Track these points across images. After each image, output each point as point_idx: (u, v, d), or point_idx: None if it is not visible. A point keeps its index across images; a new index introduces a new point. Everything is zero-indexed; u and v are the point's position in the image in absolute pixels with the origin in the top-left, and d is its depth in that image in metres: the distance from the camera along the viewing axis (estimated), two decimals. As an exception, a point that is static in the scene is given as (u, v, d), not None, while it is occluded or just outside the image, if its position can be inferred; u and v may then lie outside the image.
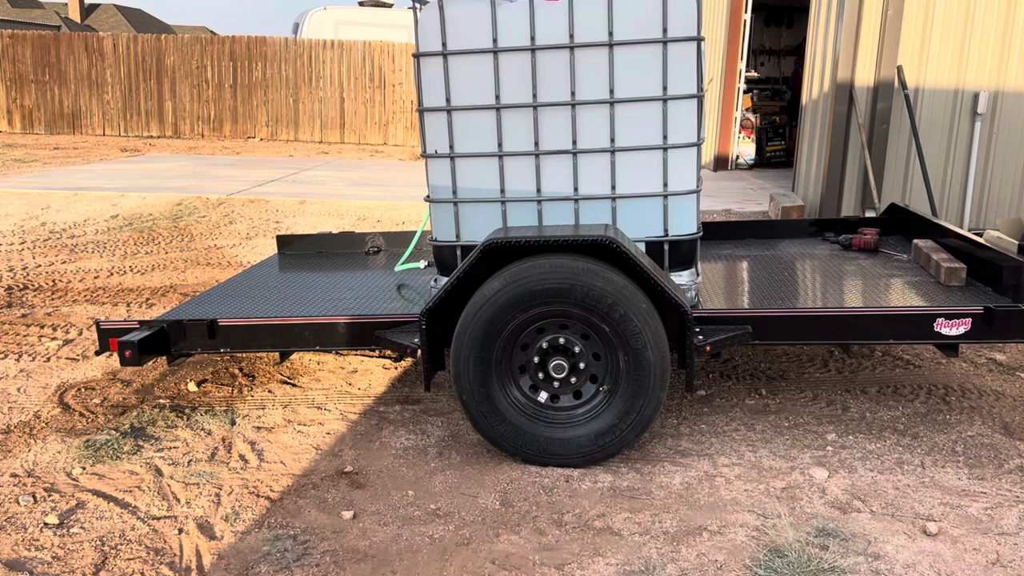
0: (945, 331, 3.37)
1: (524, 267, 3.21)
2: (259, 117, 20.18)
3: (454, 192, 3.85)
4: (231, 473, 3.28)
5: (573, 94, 3.64)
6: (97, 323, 3.69)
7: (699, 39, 3.59)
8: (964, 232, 4.37)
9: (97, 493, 3.12)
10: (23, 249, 7.27)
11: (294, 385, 4.22)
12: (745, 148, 13.84)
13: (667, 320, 3.33)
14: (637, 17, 3.54)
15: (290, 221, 8.60)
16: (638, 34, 3.55)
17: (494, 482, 3.23)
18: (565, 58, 3.59)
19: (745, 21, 12.78)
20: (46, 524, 2.89)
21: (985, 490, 3.24)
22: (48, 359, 4.54)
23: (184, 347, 3.73)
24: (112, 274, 6.47)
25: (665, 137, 3.65)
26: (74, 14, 51.65)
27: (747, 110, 14.20)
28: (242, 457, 3.41)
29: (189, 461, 3.37)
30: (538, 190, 3.79)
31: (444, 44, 3.66)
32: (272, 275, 4.90)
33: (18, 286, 6.06)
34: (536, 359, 3.35)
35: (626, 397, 3.26)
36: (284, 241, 5.66)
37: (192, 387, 4.14)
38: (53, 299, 5.74)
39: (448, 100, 3.73)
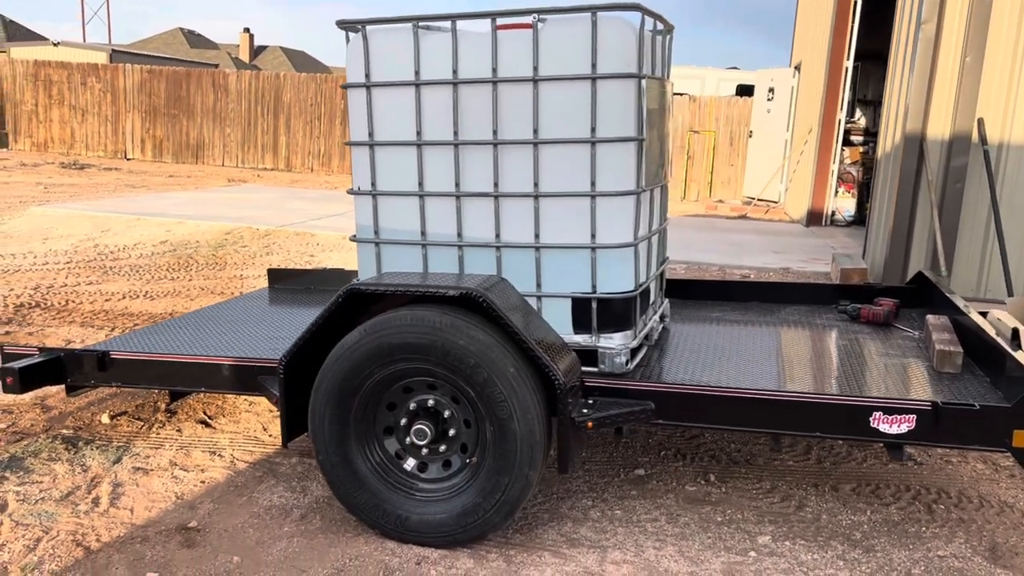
0: (884, 428, 2.82)
1: (384, 318, 2.93)
2: (365, 154, 20.74)
3: (375, 232, 3.64)
4: (72, 516, 3.14)
5: (495, 132, 3.36)
6: (1, 347, 3.67)
7: (639, 76, 3.23)
8: (969, 310, 3.73)
9: (-71, 524, 3.04)
10: (64, 269, 7.61)
11: (208, 425, 4.08)
12: (844, 203, 12.96)
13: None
14: (566, 50, 3.24)
15: (324, 255, 8.64)
16: (565, 69, 3.24)
17: (336, 556, 2.93)
18: (488, 93, 3.32)
19: (847, 68, 12.05)
20: None
21: (919, 630, 2.65)
22: (-5, 378, 4.60)
23: (80, 379, 3.66)
24: (124, 298, 6.63)
25: (593, 183, 3.30)
26: (244, 55, 56.34)
27: (853, 163, 13.34)
28: (95, 500, 3.27)
29: (40, 499, 3.27)
30: (459, 234, 3.52)
31: (368, 75, 3.48)
32: (239, 308, 4.82)
33: (30, 304, 6.29)
34: (404, 421, 3.05)
35: (491, 474, 2.90)
36: (275, 275, 5.62)
37: (105, 419, 4.08)
38: (52, 319, 5.91)
39: (371, 134, 3.54)
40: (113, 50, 27.52)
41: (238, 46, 58.07)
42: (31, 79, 21.88)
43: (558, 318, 3.37)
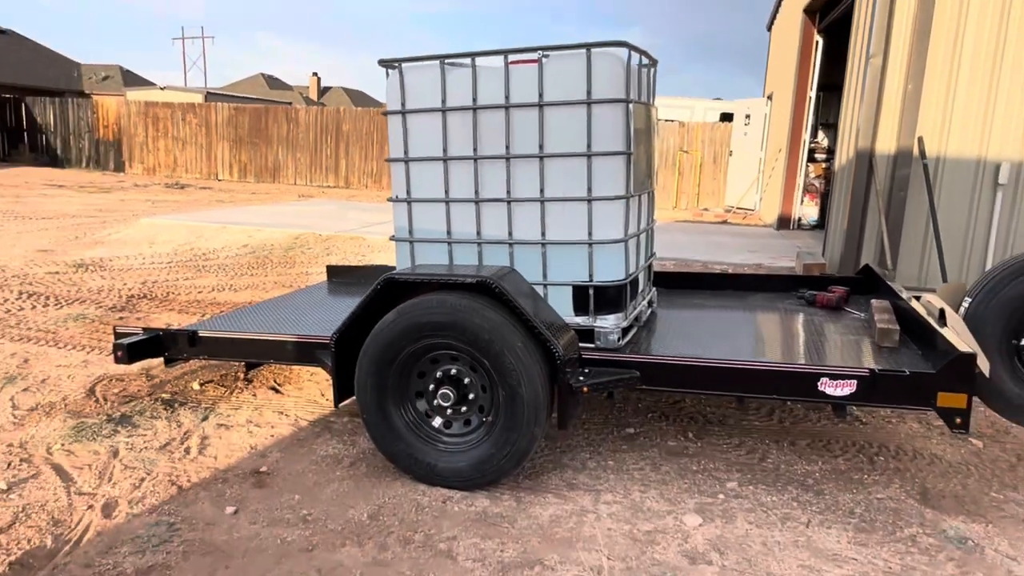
0: (830, 391, 2.79)
1: (414, 301, 2.96)
2: (410, 173, 20.81)
3: (410, 232, 3.66)
4: (169, 461, 3.20)
5: (508, 148, 3.36)
6: (115, 329, 3.75)
7: (627, 101, 3.22)
8: (904, 295, 3.68)
9: (56, 467, 3.12)
10: (165, 267, 7.73)
11: (277, 391, 4.12)
12: (809, 210, 12.74)
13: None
14: (565, 80, 3.23)
15: (374, 255, 8.68)
16: (565, 96, 3.23)
17: (378, 496, 2.96)
18: (502, 117, 3.33)
19: (810, 97, 11.86)
20: (-5, 489, 2.90)
21: (858, 557, 2.63)
22: (109, 354, 4.69)
23: (174, 353, 3.73)
24: (214, 290, 6.72)
25: (589, 190, 3.29)
26: (312, 94, 57.17)
27: (817, 177, 13.14)
28: (187, 449, 3.33)
29: (144, 448, 3.33)
30: (478, 233, 3.53)
31: (403, 104, 3.50)
32: (303, 298, 4.86)
33: (139, 295, 6.40)
34: (432, 387, 3.07)
35: (503, 430, 2.91)
36: (333, 271, 5.65)
37: (196, 386, 4.14)
38: (156, 307, 6.01)
39: (406, 152, 3.56)
40: (207, 92, 27.80)
41: (308, 87, 58.61)
42: (142, 116, 22.22)
43: (561, 303, 3.37)
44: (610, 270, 3.39)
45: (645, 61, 3.67)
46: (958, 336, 2.90)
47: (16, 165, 22.01)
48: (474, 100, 3.35)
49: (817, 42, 11.34)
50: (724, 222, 14.29)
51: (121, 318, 5.60)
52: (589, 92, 3.18)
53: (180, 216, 11.40)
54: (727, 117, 17.88)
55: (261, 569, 2.43)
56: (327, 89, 59.61)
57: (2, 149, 22.94)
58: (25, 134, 23.22)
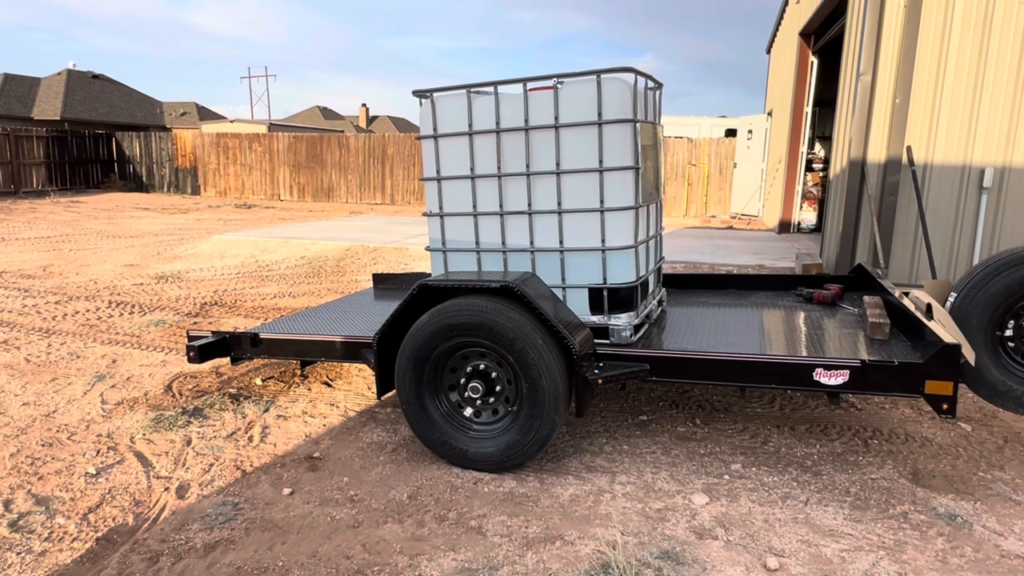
0: (824, 380, 2.72)
1: (445, 305, 2.95)
2: (447, 190, 20.88)
3: (443, 243, 3.66)
4: (234, 448, 3.25)
5: (528, 166, 3.35)
6: (188, 332, 3.82)
7: (634, 121, 3.18)
8: (894, 291, 3.57)
9: (138, 454, 3.18)
10: (234, 278, 7.87)
11: (329, 385, 4.16)
12: (807, 215, 12.47)
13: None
14: (578, 104, 3.21)
15: (415, 263, 8.72)
16: (579, 117, 3.21)
17: (417, 478, 2.97)
18: (522, 138, 3.32)
19: (807, 112, 11.62)
20: (86, 473, 2.97)
21: (853, 532, 2.55)
22: (184, 355, 4.78)
23: (239, 353, 3.78)
24: (276, 297, 6.82)
25: (602, 202, 3.26)
26: (362, 122, 57.93)
27: (814, 185, 12.86)
28: (251, 437, 3.37)
29: (213, 436, 3.38)
30: (503, 243, 3.52)
31: (435, 129, 3.51)
32: (352, 302, 4.89)
33: (211, 302, 6.52)
34: (463, 381, 3.06)
35: (527, 418, 2.89)
36: (379, 278, 5.67)
37: (258, 382, 4.20)
38: (227, 313, 6.12)
39: (438, 172, 3.57)
40: (271, 123, 28.31)
41: (358, 116, 59.32)
42: (215, 146, 22.73)
43: (578, 304, 3.34)
44: (622, 273, 3.35)
45: (651, 84, 3.63)
46: (944, 328, 2.80)
47: (108, 191, 22.67)
48: (497, 124, 3.34)
49: (812, 62, 11.11)
50: (730, 228, 14.07)
51: (195, 323, 5.71)
52: (600, 114, 3.15)
53: (247, 233, 11.61)
54: (731, 133, 17.62)
55: (313, 544, 2.44)
56: (375, 118, 60.28)
57: (96, 178, 23.65)
58: (115, 164, 23.93)
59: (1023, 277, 2.87)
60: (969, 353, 2.73)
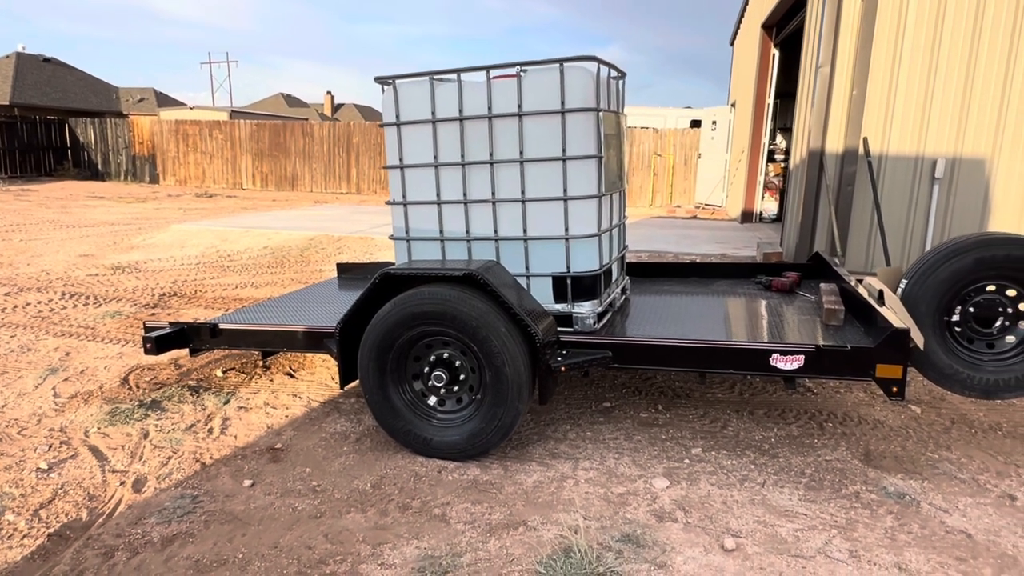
0: (780, 365, 2.78)
1: (408, 293, 2.93)
2: (414, 179, 20.68)
3: (407, 232, 3.63)
4: (194, 441, 3.18)
5: (492, 155, 3.33)
6: (144, 323, 3.72)
7: (597, 109, 3.18)
8: (849, 279, 3.66)
9: (92, 448, 3.09)
10: (194, 268, 7.68)
11: (292, 376, 4.10)
12: (769, 205, 12.73)
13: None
14: (541, 92, 3.19)
15: (380, 253, 8.64)
16: (542, 106, 3.20)
17: (381, 467, 2.95)
18: (486, 126, 3.30)
19: (769, 104, 11.82)
20: (37, 468, 2.88)
21: (807, 512, 2.63)
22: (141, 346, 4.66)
23: (198, 344, 3.70)
24: (237, 287, 6.68)
25: (565, 190, 3.26)
26: (327, 110, 56.84)
27: (776, 175, 13.11)
28: (210, 430, 3.31)
29: (172, 429, 3.31)
30: (467, 231, 3.50)
31: (397, 116, 3.46)
32: (315, 292, 4.82)
33: (171, 293, 6.36)
34: (426, 370, 3.05)
35: (490, 406, 2.90)
36: (343, 268, 5.60)
37: (219, 373, 4.12)
38: (186, 303, 5.97)
39: (401, 160, 3.53)
40: (232, 110, 27.63)
41: (323, 104, 58.24)
42: (174, 133, 22.10)
43: (542, 292, 3.35)
44: (585, 262, 3.36)
45: (614, 74, 3.64)
46: (895, 314, 2.89)
47: (61, 179, 21.86)
48: (460, 111, 3.32)
49: (774, 55, 11.29)
50: (694, 217, 14.27)
51: (153, 314, 5.56)
52: (563, 102, 3.15)
53: (207, 222, 11.33)
54: (696, 124, 17.85)
55: (274, 535, 2.41)
56: (340, 106, 59.23)
57: (48, 165, 22.78)
58: (69, 151, 23.07)
59: (969, 264, 2.98)
60: (918, 337, 2.83)
